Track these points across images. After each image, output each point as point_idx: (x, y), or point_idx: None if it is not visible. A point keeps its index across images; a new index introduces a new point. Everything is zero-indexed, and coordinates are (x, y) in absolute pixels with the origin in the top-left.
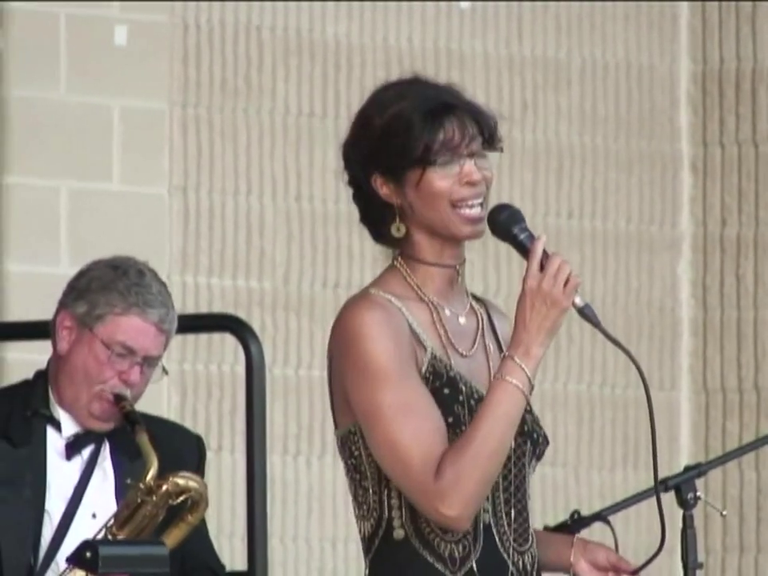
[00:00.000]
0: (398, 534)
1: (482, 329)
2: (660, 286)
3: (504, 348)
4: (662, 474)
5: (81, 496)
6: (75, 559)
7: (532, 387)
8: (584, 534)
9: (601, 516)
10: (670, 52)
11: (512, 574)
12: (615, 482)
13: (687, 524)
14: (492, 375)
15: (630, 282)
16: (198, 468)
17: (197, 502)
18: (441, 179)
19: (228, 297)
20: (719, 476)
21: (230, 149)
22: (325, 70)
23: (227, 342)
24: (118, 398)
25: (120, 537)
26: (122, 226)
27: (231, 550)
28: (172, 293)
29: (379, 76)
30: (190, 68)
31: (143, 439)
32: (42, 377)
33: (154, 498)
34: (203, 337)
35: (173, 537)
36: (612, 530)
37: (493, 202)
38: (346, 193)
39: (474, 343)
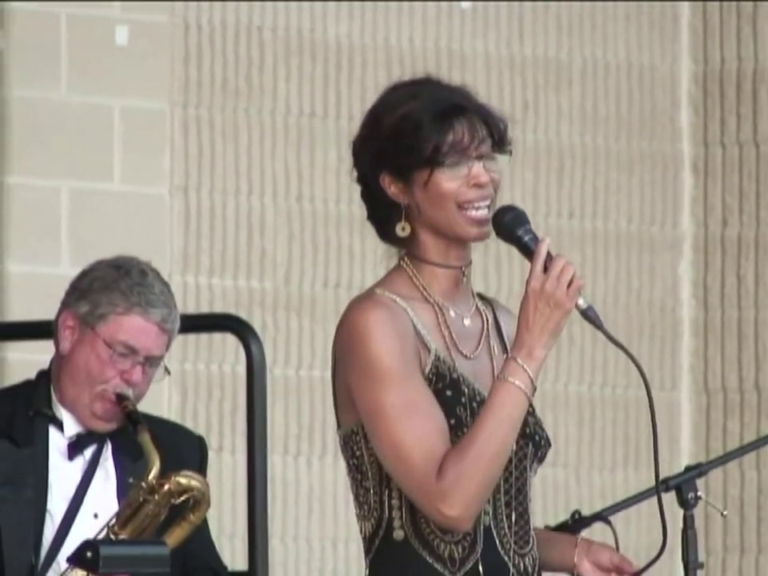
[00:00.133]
0: (398, 534)
1: (487, 330)
2: (661, 286)
3: (509, 348)
4: (663, 474)
5: (83, 496)
6: (76, 559)
7: (534, 389)
8: (585, 534)
9: (601, 516)
10: (671, 52)
11: (512, 575)
12: (616, 482)
13: (688, 524)
14: (495, 377)
15: (630, 282)
16: (200, 469)
17: (199, 501)
18: (449, 180)
19: (229, 297)
20: (720, 476)
21: (231, 149)
22: (326, 70)
23: (228, 342)
24: (120, 398)
25: (122, 536)
26: (122, 226)
27: (232, 550)
28: (173, 292)
29: (380, 76)
30: (190, 68)
31: (145, 439)
32: (44, 377)
33: (156, 497)
34: (204, 337)
35: (175, 536)
36: (613, 530)
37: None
38: (347, 193)
39: (479, 345)
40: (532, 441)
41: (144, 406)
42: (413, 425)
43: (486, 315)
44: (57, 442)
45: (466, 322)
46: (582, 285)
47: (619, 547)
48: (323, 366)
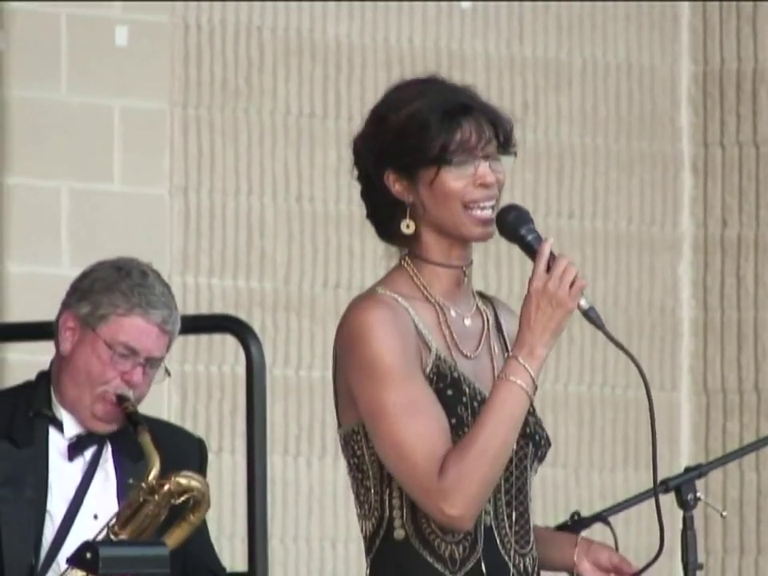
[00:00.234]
0: (399, 534)
1: (488, 330)
2: (661, 287)
3: (510, 347)
4: (663, 474)
5: (82, 497)
6: (76, 560)
7: (536, 388)
8: (585, 534)
9: (601, 517)
10: (671, 52)
11: (513, 575)
12: (616, 482)
13: (687, 525)
14: (495, 377)
15: (630, 282)
16: (200, 471)
17: (199, 501)
18: (455, 179)
19: (228, 297)
20: (719, 477)
21: (231, 149)
22: (325, 70)
23: (228, 343)
24: (121, 399)
25: (122, 536)
26: (122, 227)
27: (232, 551)
28: (173, 293)
29: (380, 76)
30: (190, 68)
31: (146, 439)
32: (44, 378)
33: (156, 497)
34: (204, 338)
35: (174, 537)
36: (612, 530)
37: None
38: (347, 193)
39: (479, 345)
40: (532, 440)
41: (144, 407)
42: (414, 424)
43: (486, 315)
44: (57, 442)
45: (467, 321)
46: (585, 285)
47: (619, 548)
48: (323, 367)
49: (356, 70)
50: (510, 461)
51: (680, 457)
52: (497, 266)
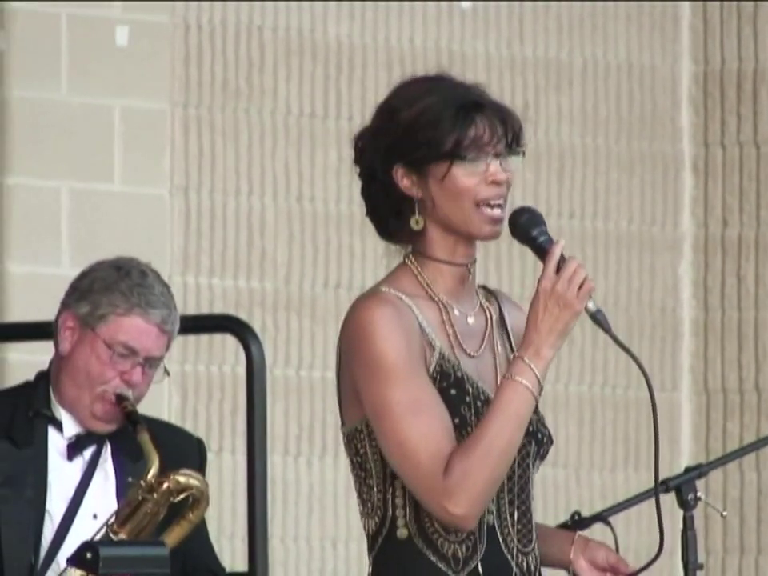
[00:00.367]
0: (402, 533)
1: (491, 328)
2: (661, 287)
3: (514, 341)
4: (663, 474)
5: (82, 496)
6: (76, 560)
7: (541, 388)
8: (584, 534)
9: (601, 517)
10: (671, 52)
11: (516, 574)
12: (616, 482)
13: (688, 525)
14: (498, 376)
15: (631, 282)
16: (199, 470)
17: (198, 499)
18: (467, 176)
19: (229, 297)
20: (720, 477)
21: (232, 149)
22: (326, 70)
23: (228, 343)
24: (120, 398)
25: (121, 535)
26: (123, 227)
27: (232, 551)
28: (173, 293)
29: (380, 76)
30: (191, 68)
31: (145, 438)
32: (43, 378)
33: (155, 495)
34: (204, 338)
35: (174, 535)
36: (612, 530)
37: None
38: (347, 193)
39: (482, 343)
40: (534, 438)
41: (144, 407)
42: (419, 422)
43: (489, 312)
44: (56, 442)
45: (470, 320)
46: (593, 288)
47: (619, 548)
48: (323, 367)
49: (356, 70)
50: (513, 459)
51: (680, 457)
52: (497, 265)
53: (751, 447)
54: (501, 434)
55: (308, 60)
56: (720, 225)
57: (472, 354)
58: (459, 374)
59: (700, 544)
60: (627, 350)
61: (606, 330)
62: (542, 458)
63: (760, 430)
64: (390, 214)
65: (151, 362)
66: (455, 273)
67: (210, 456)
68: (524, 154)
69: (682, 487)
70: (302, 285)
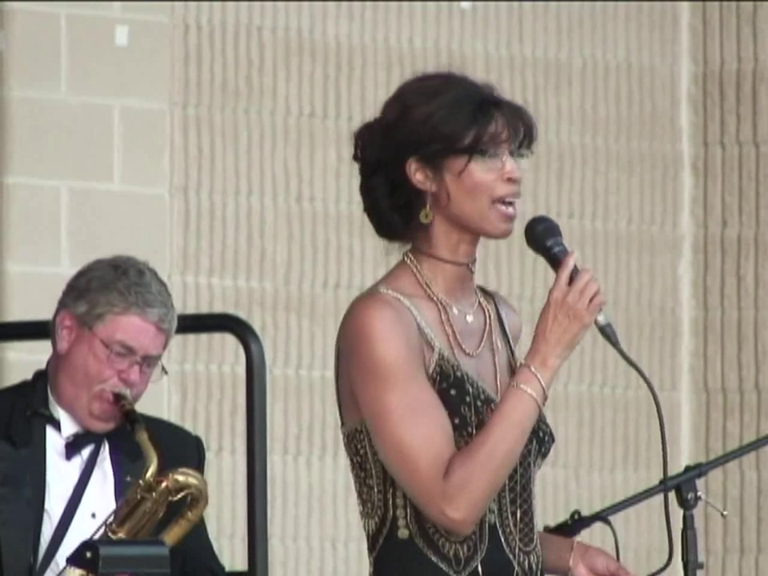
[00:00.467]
0: (403, 533)
1: (490, 326)
2: (661, 287)
3: (512, 342)
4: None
5: (80, 496)
6: (75, 559)
7: (546, 397)
8: (584, 534)
9: (601, 517)
10: (670, 53)
11: (517, 574)
12: (615, 482)
13: (688, 524)
14: (498, 374)
15: (630, 282)
16: (198, 469)
17: (197, 498)
18: (484, 171)
19: (228, 297)
20: (720, 476)
21: (231, 149)
22: (325, 70)
23: (228, 343)
24: (118, 397)
25: (120, 534)
26: (122, 227)
27: (232, 551)
28: (173, 293)
29: (380, 76)
30: (190, 68)
31: (143, 437)
32: (41, 377)
33: (154, 494)
34: (204, 337)
35: (173, 534)
36: (612, 530)
37: None
38: (347, 193)
39: (481, 342)
40: (536, 437)
41: (144, 407)
42: (417, 426)
43: (488, 311)
44: (54, 442)
45: (469, 318)
46: (604, 302)
47: (619, 547)
48: (323, 366)
49: (356, 70)
50: (514, 466)
51: (680, 456)
52: (496, 265)
53: (751, 446)
54: (503, 441)
55: (307, 60)
56: (719, 225)
57: (471, 352)
58: (459, 373)
59: (700, 543)
60: (634, 365)
61: (614, 344)
62: (544, 456)
63: (760, 430)
64: (394, 209)
65: (149, 361)
66: (456, 271)
67: (209, 456)
68: (532, 153)
69: (682, 486)
70: (301, 285)
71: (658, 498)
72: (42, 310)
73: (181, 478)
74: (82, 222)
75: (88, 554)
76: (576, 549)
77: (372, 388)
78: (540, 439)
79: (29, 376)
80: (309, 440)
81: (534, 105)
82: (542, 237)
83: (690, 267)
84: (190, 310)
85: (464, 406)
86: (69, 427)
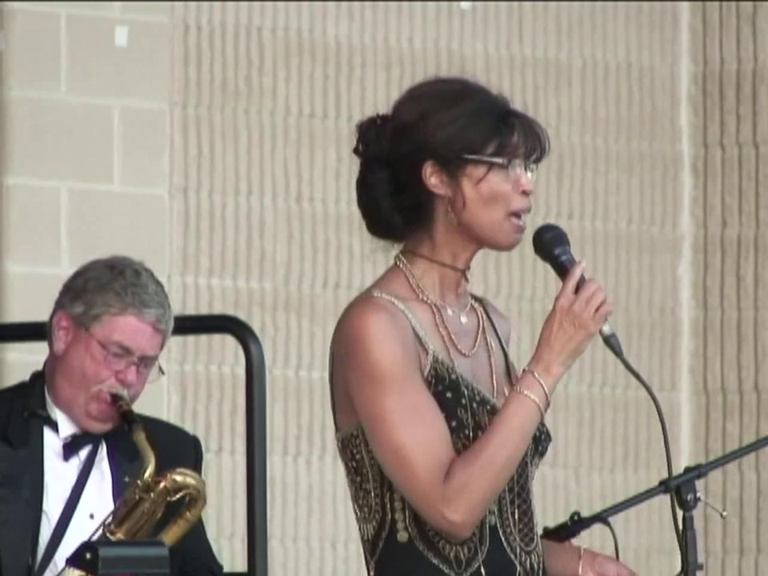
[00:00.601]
0: (402, 536)
1: (483, 326)
2: (660, 287)
3: (506, 347)
4: (663, 475)
5: (78, 496)
6: (75, 560)
7: (548, 404)
8: (584, 535)
9: (601, 518)
10: (670, 53)
11: (519, 574)
12: (616, 482)
13: (687, 525)
14: (494, 374)
15: (630, 282)
16: (196, 469)
17: (195, 498)
18: (502, 182)
19: (228, 297)
20: (719, 477)
21: (231, 149)
22: (325, 70)
23: (227, 343)
24: (116, 398)
25: (118, 534)
26: (122, 227)
27: (231, 551)
28: (172, 294)
29: (380, 77)
30: (190, 69)
31: (140, 437)
32: (38, 378)
33: (152, 494)
34: (203, 338)
35: (171, 534)
36: (612, 531)
37: None
38: (347, 193)
39: (476, 342)
40: (532, 436)
41: (143, 407)
42: (415, 429)
43: (480, 312)
44: (52, 442)
45: (463, 319)
46: (610, 311)
47: (618, 548)
48: (323, 367)
49: (356, 71)
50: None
51: (680, 457)
52: (496, 265)
53: (751, 447)
54: (504, 446)
55: (307, 60)
56: (719, 225)
57: (466, 353)
58: (454, 376)
59: (699, 544)
60: (637, 375)
61: (618, 354)
62: (541, 455)
63: (759, 430)
64: (396, 209)
65: (146, 362)
66: (452, 276)
67: (209, 456)
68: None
69: (682, 487)
70: (301, 285)
71: (658, 499)
72: (42, 310)
73: (179, 478)
74: (81, 222)
75: (87, 555)
76: (584, 557)
77: (369, 392)
78: (537, 438)
79: (28, 377)
80: (309, 440)
81: (533, 105)
82: (551, 245)
83: (689, 267)
84: (190, 310)
85: (460, 408)
86: (66, 428)
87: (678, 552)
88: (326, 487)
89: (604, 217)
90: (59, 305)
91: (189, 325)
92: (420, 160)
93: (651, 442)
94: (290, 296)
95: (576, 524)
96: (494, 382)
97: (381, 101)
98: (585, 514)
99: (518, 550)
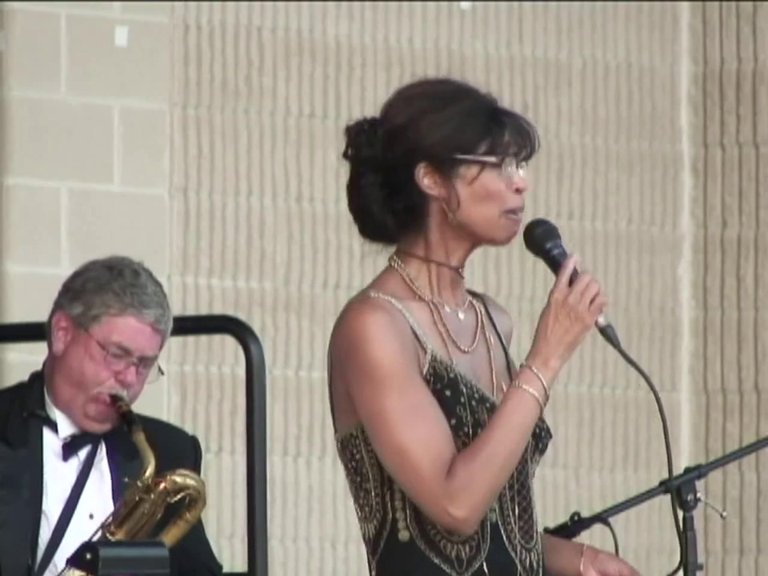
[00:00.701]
0: (404, 535)
1: (482, 322)
2: (661, 287)
3: (505, 342)
4: (662, 475)
5: (78, 497)
6: (75, 560)
7: (547, 397)
8: (584, 535)
9: (601, 518)
10: (670, 53)
11: (520, 573)
12: (616, 482)
13: (687, 525)
14: (494, 369)
15: (630, 282)
16: (195, 469)
17: (195, 499)
18: (495, 181)
19: (228, 298)
20: (719, 477)
21: (231, 150)
22: (325, 70)
23: (227, 344)
24: (115, 399)
25: (118, 535)
26: (122, 227)
27: (231, 551)
28: (172, 294)
29: (380, 77)
30: (190, 69)
31: (140, 438)
32: (37, 378)
33: (152, 495)
34: (203, 338)
35: (171, 535)
36: (612, 531)
37: None
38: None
39: (475, 338)
40: (533, 433)
41: (143, 408)
42: (416, 427)
43: (478, 308)
44: (51, 443)
45: (461, 316)
46: (605, 302)
47: (618, 548)
48: (323, 367)
49: (356, 71)
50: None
51: (680, 457)
52: (496, 266)
53: (751, 448)
54: (505, 440)
55: (307, 60)
56: (719, 225)
57: (466, 349)
58: (453, 374)
59: (699, 544)
60: (635, 365)
61: (615, 345)
62: (542, 452)
63: (759, 431)
64: (389, 211)
65: (145, 362)
66: (447, 274)
67: (209, 456)
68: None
69: (682, 488)
70: (301, 285)
71: (658, 499)
72: (42, 310)
73: (179, 479)
74: (81, 222)
75: (88, 556)
76: (586, 554)
77: (369, 391)
78: (537, 435)
79: (27, 377)
80: (309, 441)
81: (533, 105)
82: (541, 240)
83: (689, 267)
84: (190, 310)
85: (459, 406)
86: (65, 428)
87: (678, 552)
88: (326, 487)
89: (604, 217)
90: (58, 305)
91: (189, 325)
92: (413, 162)
93: (651, 442)
94: (290, 296)
95: (576, 524)
96: (494, 379)
97: (381, 101)
98: (585, 514)
99: (518, 548)
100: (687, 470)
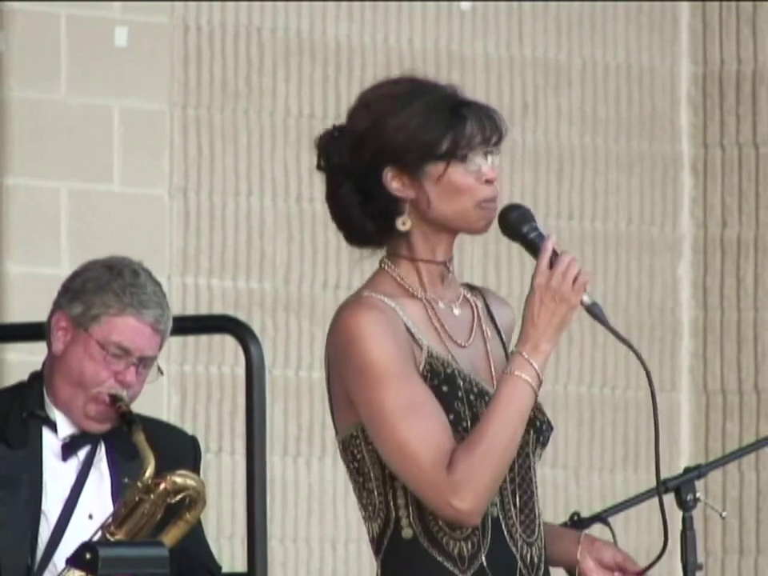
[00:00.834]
0: (407, 533)
1: (478, 316)
2: (660, 287)
3: (503, 334)
4: (662, 475)
5: (77, 497)
6: (75, 560)
7: (540, 382)
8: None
9: (601, 518)
10: (670, 53)
11: (520, 570)
12: (616, 483)
13: (687, 525)
14: (492, 363)
15: (630, 283)
16: (194, 469)
17: (195, 500)
18: (463, 175)
19: (228, 298)
20: (719, 477)
21: (231, 150)
22: (325, 71)
23: (227, 344)
24: (115, 399)
25: (118, 536)
26: (122, 228)
27: (231, 552)
28: (172, 294)
29: (380, 77)
30: (190, 69)
31: (140, 438)
32: (37, 378)
33: (152, 496)
34: (203, 338)
35: (171, 536)
36: (612, 531)
37: None
38: None
39: (471, 332)
40: (533, 427)
41: (143, 408)
42: (416, 423)
43: (474, 303)
44: (50, 443)
45: (456, 311)
46: (587, 280)
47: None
48: (323, 367)
49: (356, 71)
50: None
51: (680, 457)
52: (496, 266)
53: (750, 448)
54: (503, 429)
55: (307, 61)
56: (719, 225)
57: (463, 344)
58: (449, 370)
59: (699, 545)
60: (626, 341)
61: (603, 322)
62: (543, 445)
63: (759, 431)
64: (367, 217)
65: (145, 362)
66: (435, 270)
67: (209, 456)
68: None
69: (682, 488)
70: (301, 285)
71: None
72: (42, 310)
73: (179, 479)
74: (81, 222)
75: (87, 555)
76: (583, 542)
77: (367, 389)
78: (537, 429)
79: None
80: (308, 441)
81: (533, 105)
82: (517, 224)
83: (689, 268)
84: (190, 310)
85: (457, 401)
86: (65, 428)
87: (678, 552)
88: (326, 487)
89: (604, 217)
90: (57, 305)
91: (189, 325)
92: (379, 166)
93: (651, 442)
94: (289, 296)
95: (576, 524)
96: (493, 372)
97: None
98: (585, 514)
99: (519, 542)
100: (687, 470)
